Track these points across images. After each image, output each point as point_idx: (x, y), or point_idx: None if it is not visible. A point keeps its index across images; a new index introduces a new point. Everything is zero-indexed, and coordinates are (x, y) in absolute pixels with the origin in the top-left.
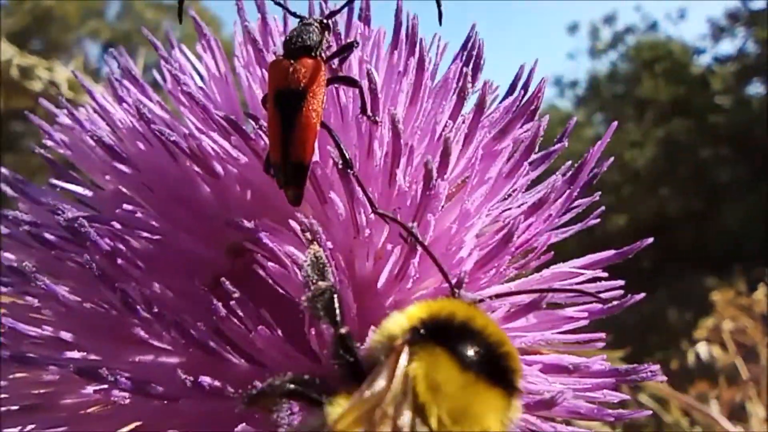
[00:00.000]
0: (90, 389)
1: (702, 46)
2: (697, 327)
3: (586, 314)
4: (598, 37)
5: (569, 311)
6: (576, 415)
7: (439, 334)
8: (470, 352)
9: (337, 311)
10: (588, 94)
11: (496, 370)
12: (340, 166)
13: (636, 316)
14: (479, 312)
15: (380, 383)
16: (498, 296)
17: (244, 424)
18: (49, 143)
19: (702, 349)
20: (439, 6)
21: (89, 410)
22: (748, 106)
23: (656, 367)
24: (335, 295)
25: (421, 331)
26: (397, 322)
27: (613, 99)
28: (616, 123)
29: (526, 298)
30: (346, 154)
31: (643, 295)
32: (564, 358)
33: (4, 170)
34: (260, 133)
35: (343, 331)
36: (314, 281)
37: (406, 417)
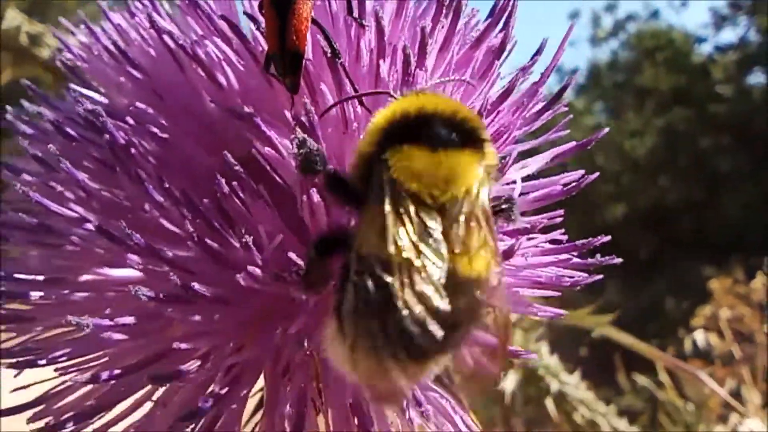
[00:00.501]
0: (106, 270)
1: (704, 35)
2: (694, 315)
3: (541, 195)
4: (599, 24)
5: (533, 195)
6: (537, 285)
7: (402, 133)
8: (432, 133)
9: (322, 157)
10: (588, 83)
11: (460, 135)
12: (328, 56)
13: (634, 304)
14: (429, 96)
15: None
16: None
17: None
18: (68, 55)
19: (699, 336)
20: None
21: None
22: (749, 95)
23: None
24: (318, 147)
25: (385, 139)
26: (366, 141)
27: (614, 87)
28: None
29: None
30: (335, 45)
31: (593, 177)
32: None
33: (24, 81)
34: (257, 35)
35: (330, 167)
36: (300, 140)
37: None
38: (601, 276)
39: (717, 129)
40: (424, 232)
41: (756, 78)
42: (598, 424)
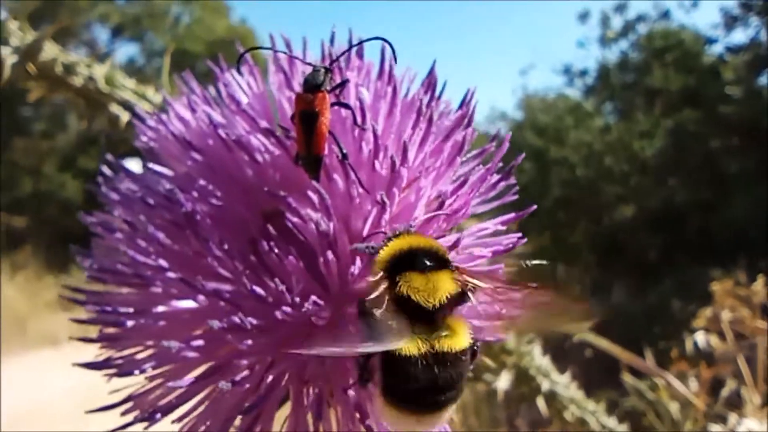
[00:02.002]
0: (176, 303)
1: (714, 36)
2: (697, 316)
3: (490, 253)
4: (608, 25)
5: (480, 252)
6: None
7: (400, 263)
8: (421, 262)
9: None
10: (597, 83)
11: (437, 262)
12: (339, 157)
13: (641, 306)
14: (414, 237)
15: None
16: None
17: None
18: (144, 138)
19: (700, 338)
20: (391, 47)
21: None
22: (760, 96)
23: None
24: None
25: (389, 268)
26: (378, 263)
27: (623, 88)
28: (509, 135)
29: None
30: (344, 149)
31: (523, 241)
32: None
33: (108, 156)
34: (289, 136)
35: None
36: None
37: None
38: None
39: (727, 130)
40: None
41: (766, 79)
42: (588, 422)
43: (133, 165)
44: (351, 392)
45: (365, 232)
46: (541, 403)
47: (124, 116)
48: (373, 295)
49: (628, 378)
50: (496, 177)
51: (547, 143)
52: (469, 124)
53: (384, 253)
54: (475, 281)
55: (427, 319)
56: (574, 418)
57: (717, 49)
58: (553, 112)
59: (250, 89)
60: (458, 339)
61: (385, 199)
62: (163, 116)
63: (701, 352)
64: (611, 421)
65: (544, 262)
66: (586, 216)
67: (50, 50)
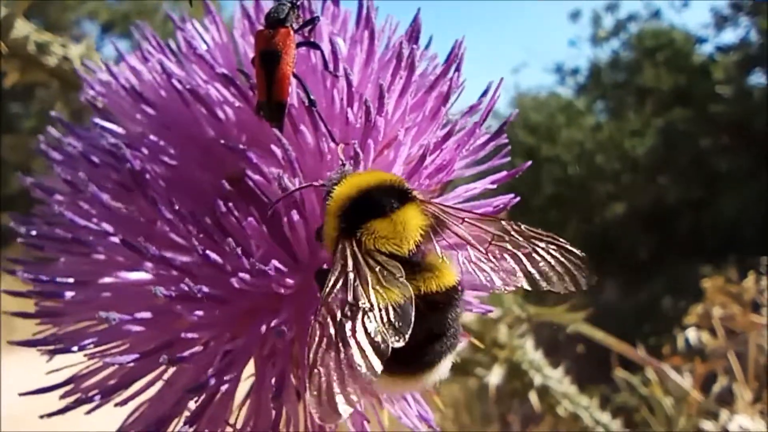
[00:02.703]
0: (123, 274)
1: (704, 35)
2: (688, 314)
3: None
4: (600, 24)
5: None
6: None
7: (355, 214)
8: (379, 205)
9: None
10: (589, 82)
11: (396, 197)
12: (306, 104)
13: (632, 303)
14: (360, 176)
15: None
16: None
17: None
18: (91, 92)
19: (691, 334)
20: None
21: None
22: (750, 96)
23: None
24: None
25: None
26: (329, 227)
27: (614, 87)
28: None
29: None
30: (311, 96)
31: (517, 200)
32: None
33: (53, 113)
34: (250, 85)
35: None
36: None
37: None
38: None
39: (717, 129)
40: (389, 275)
41: (756, 79)
42: (581, 417)
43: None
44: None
45: None
46: (533, 398)
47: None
48: (335, 264)
49: (619, 373)
50: (485, 136)
51: (539, 141)
52: (455, 73)
53: (332, 208)
54: (444, 210)
55: (406, 264)
56: (567, 414)
57: (707, 48)
58: (545, 110)
59: (213, 40)
60: (445, 276)
61: (359, 151)
62: (114, 68)
63: (692, 348)
64: (605, 417)
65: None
66: (578, 214)
67: (22, 28)
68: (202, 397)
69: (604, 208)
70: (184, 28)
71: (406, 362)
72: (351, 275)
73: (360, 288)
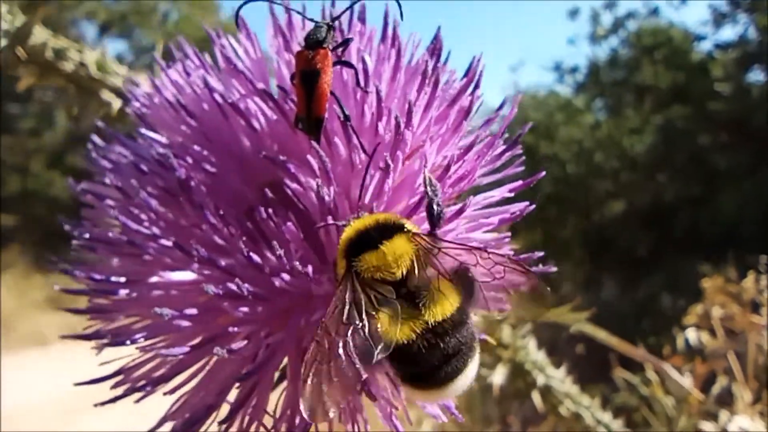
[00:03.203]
0: (170, 274)
1: (703, 32)
2: (688, 313)
3: (497, 221)
4: (598, 22)
5: (488, 220)
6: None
7: (355, 249)
8: (370, 240)
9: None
10: (588, 80)
11: (387, 231)
12: (341, 119)
13: (631, 301)
14: (364, 219)
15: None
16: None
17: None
18: (135, 104)
19: (691, 335)
20: (399, 6)
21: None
22: (748, 93)
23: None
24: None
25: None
26: (339, 265)
27: (613, 85)
28: (519, 96)
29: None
30: (346, 111)
31: (532, 207)
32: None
33: (99, 123)
34: (288, 100)
35: None
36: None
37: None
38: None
39: (715, 127)
40: (381, 298)
41: (755, 76)
42: (583, 416)
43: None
44: None
45: (367, 200)
46: (536, 397)
47: (116, 103)
48: (337, 294)
49: (619, 374)
50: (501, 147)
51: (538, 139)
52: (475, 90)
53: (339, 250)
54: (430, 240)
55: (406, 293)
56: (569, 413)
57: (706, 46)
58: (544, 108)
59: (247, 55)
60: (448, 301)
61: (390, 162)
62: (157, 81)
63: (692, 348)
64: (606, 416)
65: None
66: (577, 212)
67: (40, 34)
68: (245, 388)
69: (603, 206)
70: (223, 44)
71: (426, 380)
72: (348, 301)
73: (354, 311)
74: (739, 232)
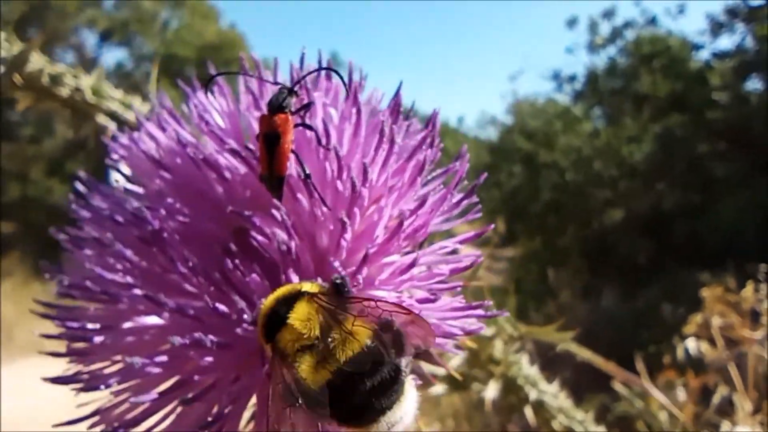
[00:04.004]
0: (143, 319)
1: (701, 41)
2: (687, 322)
3: (448, 271)
4: (596, 31)
5: (440, 269)
6: (441, 334)
7: (270, 332)
8: (276, 317)
9: None
10: (586, 89)
11: (287, 303)
12: (302, 177)
13: (630, 310)
14: (265, 304)
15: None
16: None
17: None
18: (114, 156)
19: (691, 344)
20: (342, 80)
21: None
22: (746, 102)
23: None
24: None
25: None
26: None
27: (611, 94)
28: (467, 155)
29: (408, 260)
30: (306, 170)
31: (481, 259)
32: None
33: (81, 173)
34: (254, 156)
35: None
36: None
37: None
38: (482, 326)
39: (714, 135)
40: (308, 353)
41: (753, 84)
42: (576, 431)
43: (119, 175)
44: None
45: (328, 249)
46: (529, 412)
47: (112, 126)
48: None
49: (618, 385)
50: (458, 195)
51: (537, 147)
52: (431, 145)
53: (259, 337)
54: (328, 299)
55: (324, 347)
56: (562, 427)
57: (704, 55)
58: (543, 116)
59: (221, 108)
60: (357, 341)
61: (345, 219)
62: (135, 134)
63: (692, 358)
64: (600, 430)
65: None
66: (576, 220)
67: (37, 61)
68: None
69: (602, 214)
70: (197, 101)
71: (358, 418)
72: (286, 379)
73: (293, 385)
74: (738, 241)
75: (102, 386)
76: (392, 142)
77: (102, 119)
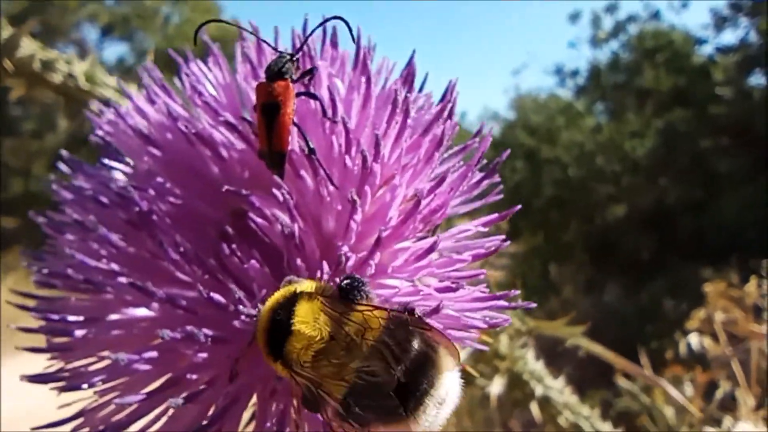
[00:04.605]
0: (131, 311)
1: (704, 36)
2: (690, 318)
3: (470, 257)
4: (599, 25)
5: (461, 256)
6: (465, 327)
7: (275, 343)
8: (279, 326)
9: None
10: (589, 84)
11: (286, 307)
12: (306, 152)
13: (633, 305)
14: (261, 317)
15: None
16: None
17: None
18: (99, 132)
19: (693, 339)
20: (351, 31)
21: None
22: (749, 96)
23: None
24: None
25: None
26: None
27: (614, 88)
28: (491, 130)
29: (425, 245)
30: (311, 144)
31: (507, 243)
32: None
33: (63, 152)
34: (252, 129)
35: None
36: None
37: None
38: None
39: (717, 130)
40: (324, 358)
41: (756, 80)
42: (582, 427)
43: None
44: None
45: (336, 233)
46: (534, 408)
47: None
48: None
49: (621, 380)
50: (479, 174)
51: (539, 143)
52: (449, 117)
53: (265, 356)
54: (330, 302)
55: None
56: (567, 423)
57: (707, 49)
58: (545, 112)
59: (216, 80)
60: (373, 320)
61: (356, 198)
62: (122, 108)
63: (695, 354)
64: (606, 426)
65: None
66: (579, 215)
67: (28, 46)
68: None
69: (605, 210)
70: (189, 71)
71: (395, 412)
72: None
73: (321, 397)
74: (741, 236)
75: (85, 385)
76: (407, 113)
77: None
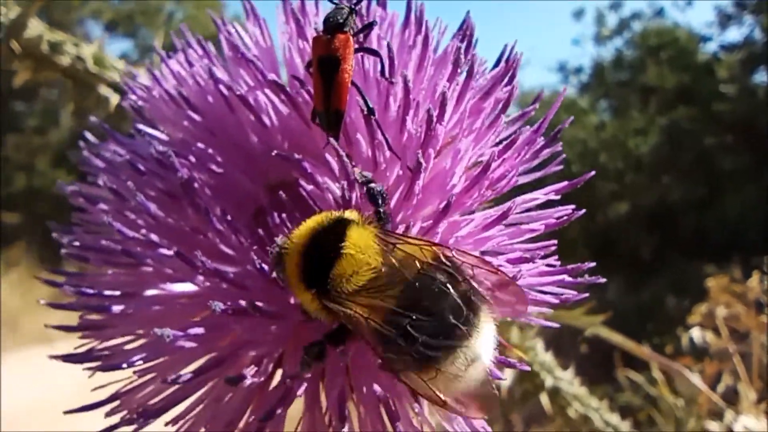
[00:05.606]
0: (171, 286)
1: (708, 34)
2: (692, 313)
3: (542, 227)
4: (603, 22)
5: (531, 225)
6: (534, 302)
7: (313, 275)
8: (323, 254)
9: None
10: (592, 81)
11: (334, 234)
12: (365, 113)
13: (635, 302)
14: (296, 238)
15: None
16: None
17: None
18: (132, 97)
19: (696, 334)
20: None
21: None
22: (754, 94)
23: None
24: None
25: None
26: (305, 300)
27: (618, 86)
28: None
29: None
30: (370, 105)
31: (572, 207)
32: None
33: (93, 118)
34: (302, 91)
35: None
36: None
37: None
38: (585, 292)
39: (721, 128)
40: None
41: (760, 77)
42: (591, 418)
43: None
44: (377, 388)
45: (393, 204)
46: (544, 399)
47: (114, 98)
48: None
49: (623, 373)
50: (541, 141)
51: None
52: (510, 81)
53: (294, 285)
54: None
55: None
56: (577, 415)
57: (711, 47)
58: (548, 109)
59: (256, 43)
60: (423, 258)
61: (422, 161)
62: (156, 72)
63: (697, 348)
64: (614, 418)
65: None
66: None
67: (35, 27)
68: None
69: (608, 207)
70: (229, 32)
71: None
72: (364, 325)
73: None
74: (743, 234)
75: (124, 364)
76: (470, 72)
77: (104, 90)
